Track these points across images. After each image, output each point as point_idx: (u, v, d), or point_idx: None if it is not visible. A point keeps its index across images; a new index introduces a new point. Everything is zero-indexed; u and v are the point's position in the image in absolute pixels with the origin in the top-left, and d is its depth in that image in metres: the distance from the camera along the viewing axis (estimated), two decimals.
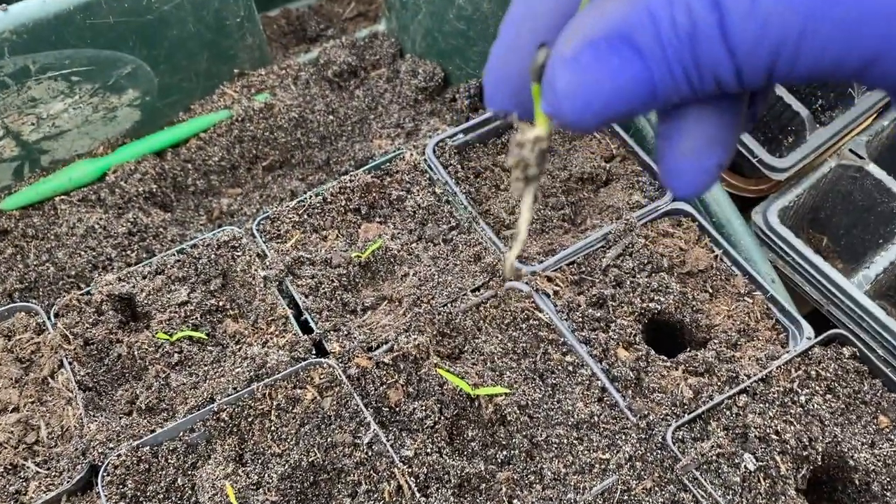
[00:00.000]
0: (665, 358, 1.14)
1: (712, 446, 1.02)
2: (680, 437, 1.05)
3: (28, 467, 1.05)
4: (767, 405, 1.07)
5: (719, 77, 0.34)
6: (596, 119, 0.37)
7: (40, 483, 1.03)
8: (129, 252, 1.48)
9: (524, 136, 0.41)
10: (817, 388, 1.09)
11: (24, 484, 1.03)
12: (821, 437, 1.04)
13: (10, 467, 1.04)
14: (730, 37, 0.33)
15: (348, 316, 1.20)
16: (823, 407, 1.07)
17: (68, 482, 1.02)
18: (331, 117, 1.69)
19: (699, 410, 1.06)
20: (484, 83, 0.42)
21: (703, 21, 0.33)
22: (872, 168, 1.45)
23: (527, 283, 1.20)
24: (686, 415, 1.06)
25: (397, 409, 1.08)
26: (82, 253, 1.47)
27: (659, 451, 1.04)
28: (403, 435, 1.06)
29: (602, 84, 0.35)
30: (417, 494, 0.97)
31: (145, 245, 1.49)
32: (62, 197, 1.54)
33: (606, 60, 0.35)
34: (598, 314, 1.17)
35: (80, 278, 1.44)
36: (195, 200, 1.63)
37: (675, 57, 0.34)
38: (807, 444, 1.04)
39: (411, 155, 1.35)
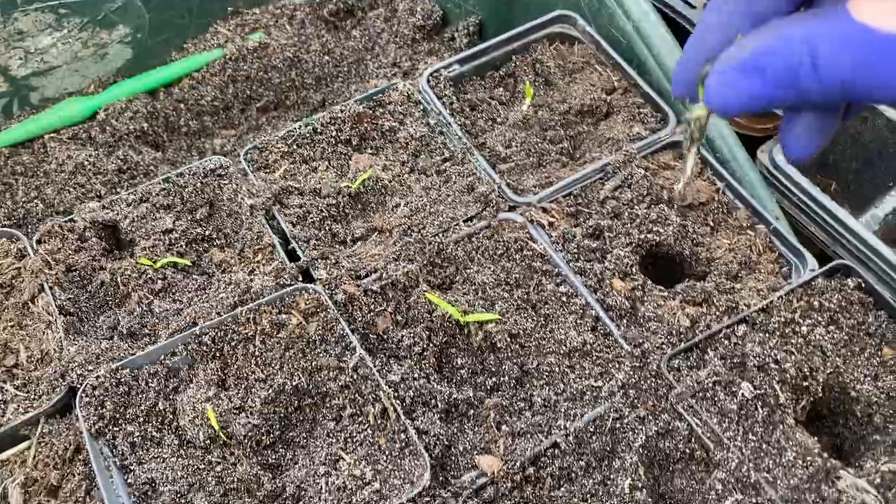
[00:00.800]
0: (662, 288, 1.11)
1: (709, 374, 0.99)
2: (675, 365, 1.02)
3: (6, 390, 1.03)
4: (767, 335, 1.03)
5: (810, 97, 0.54)
6: (732, 112, 0.58)
7: (18, 405, 1.01)
8: (118, 189, 1.45)
9: (691, 115, 0.65)
10: (819, 318, 1.05)
11: (1, 406, 1.01)
12: (822, 368, 1.01)
13: None
14: (820, 73, 0.53)
15: (337, 246, 1.17)
16: (826, 338, 1.04)
17: (47, 403, 1.00)
18: (326, 58, 1.65)
19: (696, 339, 1.03)
20: (672, 79, 0.71)
21: (802, 64, 0.53)
22: (884, 107, 1.40)
23: (521, 214, 1.17)
24: (682, 343, 1.03)
25: (385, 336, 1.05)
26: (71, 189, 1.44)
27: (653, 380, 1.01)
28: (391, 361, 1.03)
29: (737, 92, 0.56)
30: (403, 417, 0.94)
31: (135, 183, 1.46)
32: (52, 135, 1.51)
33: (741, 78, 0.56)
34: (594, 245, 1.13)
35: (68, 214, 1.42)
36: (187, 141, 1.60)
37: (780, 82, 0.54)
38: (807, 374, 1.00)
39: (405, 86, 1.31)
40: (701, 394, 0.98)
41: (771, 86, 0.56)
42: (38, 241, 1.16)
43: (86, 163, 1.45)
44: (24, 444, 1.00)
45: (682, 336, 1.04)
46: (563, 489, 0.94)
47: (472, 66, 1.35)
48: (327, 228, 1.17)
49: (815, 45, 0.54)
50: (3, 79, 1.50)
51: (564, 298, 1.10)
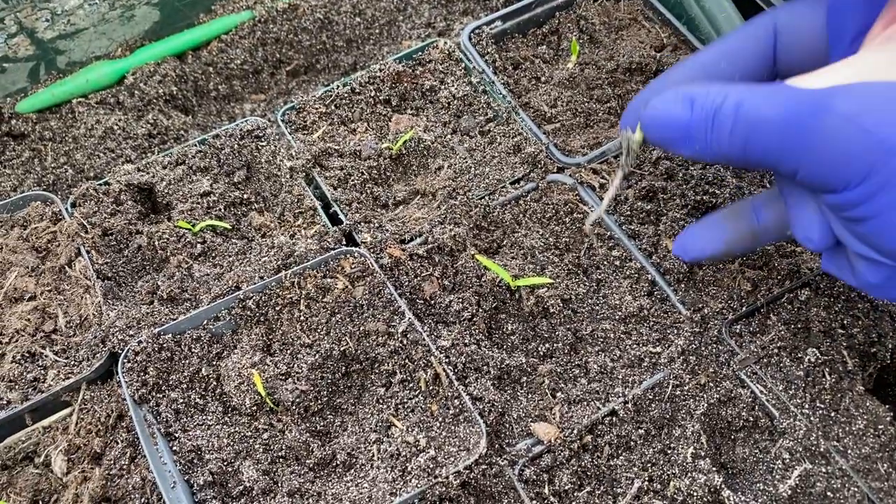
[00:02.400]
0: None
1: (772, 339, 0.95)
2: (737, 331, 0.98)
3: (46, 355, 1.00)
4: (832, 300, 0.99)
5: (719, 146, 0.68)
6: (655, 129, 0.72)
7: (59, 371, 0.98)
8: (148, 154, 1.42)
9: (624, 136, 0.75)
10: None
11: (42, 372, 0.99)
12: (891, 334, 0.96)
13: (27, 355, 1.00)
14: (736, 123, 0.66)
15: (379, 210, 1.13)
16: (894, 303, 0.99)
17: (88, 369, 0.97)
18: (357, 19, 1.60)
19: (757, 304, 0.99)
20: (625, 112, 0.80)
21: (723, 113, 0.66)
22: None
23: (570, 175, 1.12)
24: (743, 308, 0.99)
25: (432, 301, 1.01)
26: (101, 154, 1.41)
27: (714, 346, 0.97)
28: (439, 327, 0.99)
29: (667, 112, 0.70)
30: (456, 383, 0.91)
31: (166, 148, 1.43)
32: (79, 99, 1.47)
33: (675, 103, 0.70)
34: (648, 207, 1.09)
35: (98, 180, 1.39)
36: (217, 105, 1.56)
37: (702, 117, 0.68)
38: (875, 339, 0.96)
39: (445, 43, 1.26)
40: (765, 360, 0.94)
41: (696, 118, 0.67)
42: (73, 205, 1.12)
43: (115, 127, 1.41)
44: (66, 411, 0.98)
45: (744, 300, 1.00)
46: (622, 458, 0.91)
47: (515, 22, 1.29)
48: (368, 191, 1.14)
49: (743, 98, 0.65)
50: (29, 42, 1.46)
51: (618, 262, 1.05)
